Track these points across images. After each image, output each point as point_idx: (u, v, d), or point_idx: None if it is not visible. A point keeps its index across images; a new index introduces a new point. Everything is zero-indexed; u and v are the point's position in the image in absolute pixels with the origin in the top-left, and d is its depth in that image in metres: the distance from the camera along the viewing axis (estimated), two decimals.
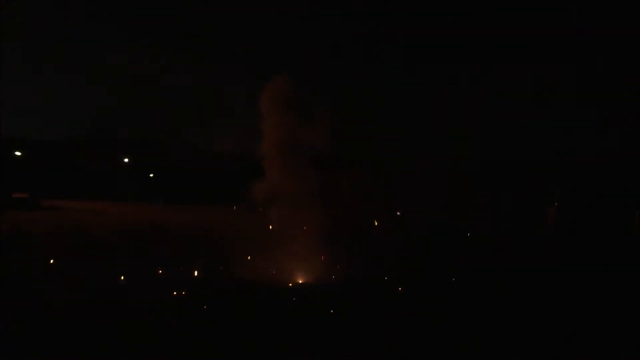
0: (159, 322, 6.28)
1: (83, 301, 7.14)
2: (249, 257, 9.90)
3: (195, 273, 9.72)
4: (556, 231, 23.80)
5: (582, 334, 6.62)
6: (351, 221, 25.85)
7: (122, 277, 9.05)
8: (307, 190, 10.80)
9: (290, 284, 8.68)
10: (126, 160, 53.60)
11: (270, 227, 10.22)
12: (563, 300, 8.68)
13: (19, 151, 46.35)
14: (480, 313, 7.45)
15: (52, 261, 10.42)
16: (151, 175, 52.88)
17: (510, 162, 30.38)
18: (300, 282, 8.86)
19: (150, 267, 10.32)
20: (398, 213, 29.10)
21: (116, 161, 53.10)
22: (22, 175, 38.88)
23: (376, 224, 25.22)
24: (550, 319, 7.26)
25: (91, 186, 48.73)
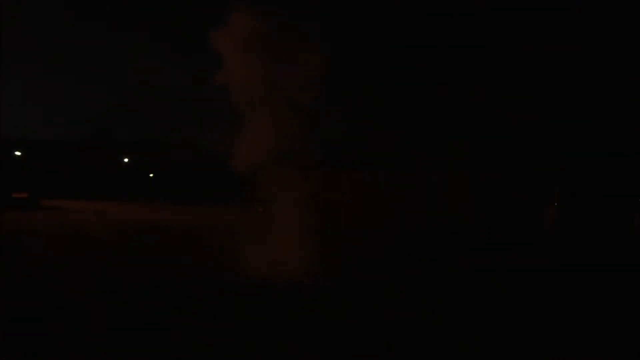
0: (158, 322, 6.27)
1: (83, 301, 7.13)
2: (247, 256, 9.88)
3: (195, 272, 9.69)
4: (556, 231, 23.80)
5: (582, 335, 6.62)
6: (351, 220, 25.85)
7: (122, 277, 9.03)
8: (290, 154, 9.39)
9: (290, 283, 8.67)
10: (126, 160, 53.71)
11: (269, 225, 10.06)
12: (563, 301, 8.67)
13: (19, 151, 46.43)
14: (480, 313, 7.45)
15: (52, 261, 10.40)
16: (151, 175, 52.96)
17: (510, 162, 30.41)
18: (299, 281, 8.84)
19: (150, 266, 10.31)
20: (398, 213, 29.12)
21: (116, 161, 53.25)
22: (22, 175, 39.02)
23: (376, 222, 25.24)
24: (550, 319, 7.26)
25: (91, 186, 48.87)
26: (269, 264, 9.26)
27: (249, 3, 9.39)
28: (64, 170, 51.36)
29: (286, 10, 9.41)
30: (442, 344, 5.85)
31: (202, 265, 10.56)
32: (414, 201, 29.91)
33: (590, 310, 8.04)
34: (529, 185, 26.97)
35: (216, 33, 9.49)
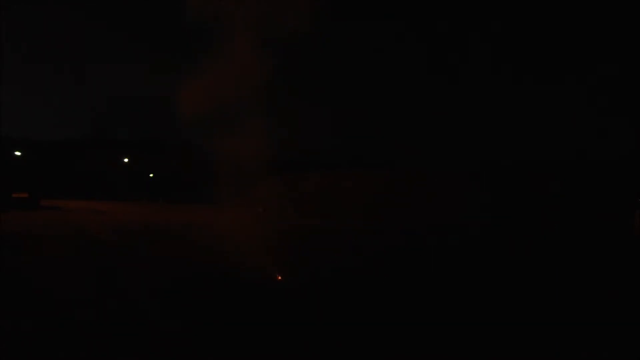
0: (157, 322, 6.27)
1: (82, 301, 7.13)
2: (242, 256, 9.93)
3: (190, 272, 9.72)
4: (556, 231, 23.81)
5: (581, 335, 6.62)
6: (347, 218, 25.87)
7: (122, 277, 9.03)
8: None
9: (287, 283, 8.69)
10: (126, 160, 53.72)
11: (264, 225, 10.10)
12: (562, 301, 8.68)
13: (19, 151, 46.43)
14: (479, 313, 7.45)
15: (52, 261, 10.40)
16: (151, 175, 52.99)
17: (510, 162, 30.44)
18: (293, 280, 8.87)
19: (149, 266, 10.31)
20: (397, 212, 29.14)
21: (116, 161, 53.26)
22: (22, 175, 38.99)
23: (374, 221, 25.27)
24: (549, 319, 7.26)
25: (91, 186, 48.92)
26: (263, 263, 9.33)
27: None
28: (64, 170, 51.39)
29: None
30: (440, 342, 5.86)
31: (197, 264, 10.59)
32: (413, 201, 29.94)
33: (590, 309, 8.04)
34: (528, 185, 27.00)
35: None
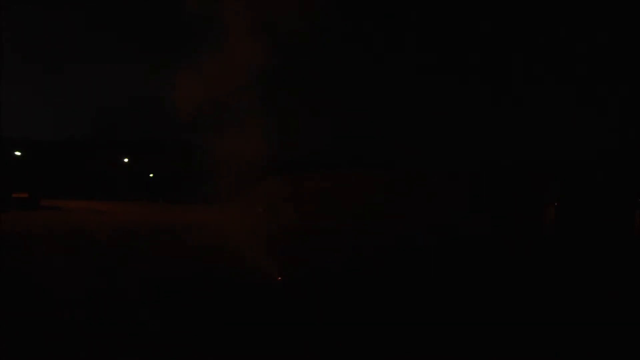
0: (157, 322, 6.27)
1: (83, 301, 7.13)
2: (245, 256, 9.93)
3: (186, 273, 9.73)
4: (556, 231, 23.80)
5: (582, 335, 6.62)
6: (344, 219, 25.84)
7: (122, 277, 9.03)
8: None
9: (283, 282, 8.71)
10: (126, 160, 53.67)
11: (263, 226, 10.15)
12: (562, 301, 8.68)
13: (19, 151, 46.39)
14: (478, 313, 7.45)
15: (52, 261, 10.40)
16: (151, 175, 52.95)
17: (510, 162, 30.43)
18: (290, 279, 8.89)
19: (149, 266, 10.32)
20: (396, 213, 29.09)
21: (116, 161, 53.21)
22: (22, 175, 38.96)
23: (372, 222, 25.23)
24: (550, 319, 7.26)
25: (91, 186, 48.87)
26: (263, 263, 9.36)
27: None
28: (64, 170, 51.35)
29: None
30: (439, 341, 5.86)
31: (197, 264, 10.60)
32: (413, 201, 29.90)
33: (590, 309, 8.04)
34: (528, 185, 26.97)
35: None
